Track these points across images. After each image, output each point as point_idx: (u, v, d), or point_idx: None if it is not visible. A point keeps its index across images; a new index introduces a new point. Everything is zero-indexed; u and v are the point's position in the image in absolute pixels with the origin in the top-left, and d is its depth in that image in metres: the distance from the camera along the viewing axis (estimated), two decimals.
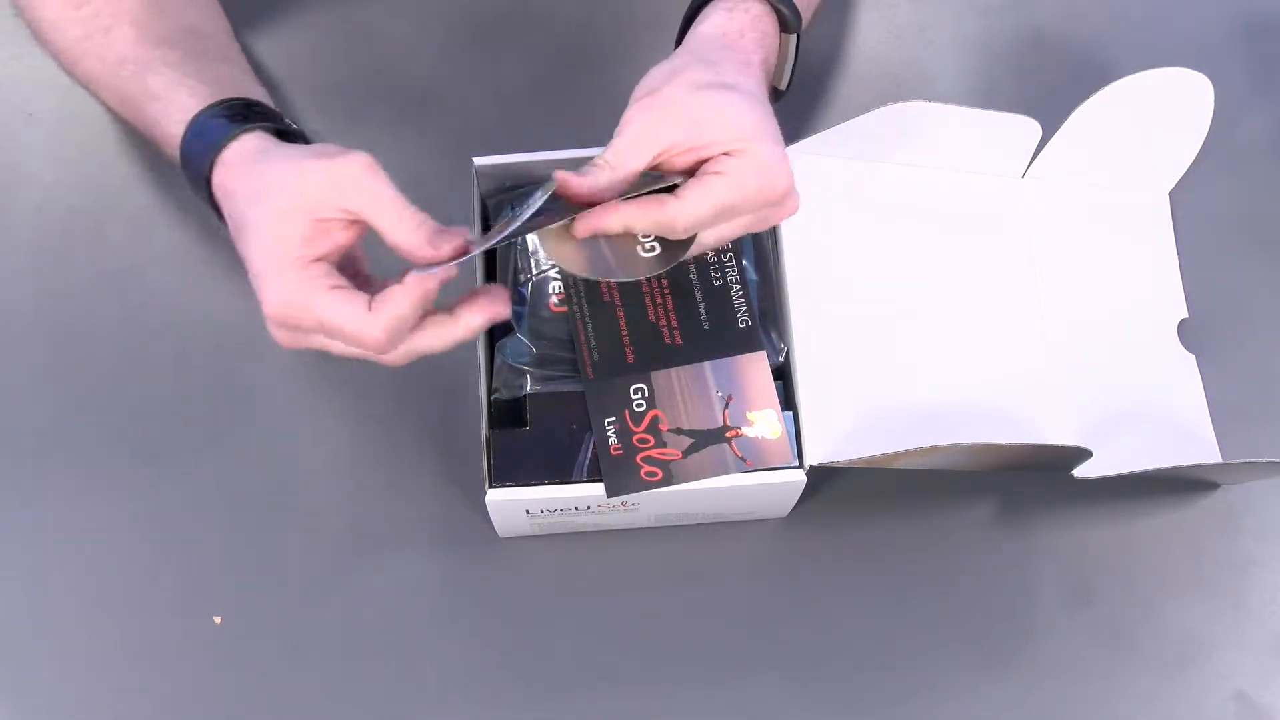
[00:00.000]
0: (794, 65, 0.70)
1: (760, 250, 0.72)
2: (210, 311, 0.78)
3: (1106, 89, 0.74)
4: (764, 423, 0.68)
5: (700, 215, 0.60)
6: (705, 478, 0.67)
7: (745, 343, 0.69)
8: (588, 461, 0.67)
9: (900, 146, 0.75)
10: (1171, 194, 0.81)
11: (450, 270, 0.58)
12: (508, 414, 0.69)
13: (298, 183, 0.59)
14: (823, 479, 0.72)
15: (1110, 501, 0.75)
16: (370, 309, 0.57)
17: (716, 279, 0.71)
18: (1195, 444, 0.75)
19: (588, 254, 0.62)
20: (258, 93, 0.69)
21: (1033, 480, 0.75)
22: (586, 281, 0.70)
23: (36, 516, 0.75)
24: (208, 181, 0.63)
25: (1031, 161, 0.77)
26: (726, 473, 0.67)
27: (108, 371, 0.77)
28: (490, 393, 0.70)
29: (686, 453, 0.67)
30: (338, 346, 0.60)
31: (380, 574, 0.74)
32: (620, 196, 0.60)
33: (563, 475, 0.67)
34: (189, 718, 0.72)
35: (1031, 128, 0.75)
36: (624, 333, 0.69)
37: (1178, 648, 0.73)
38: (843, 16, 0.87)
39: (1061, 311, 0.76)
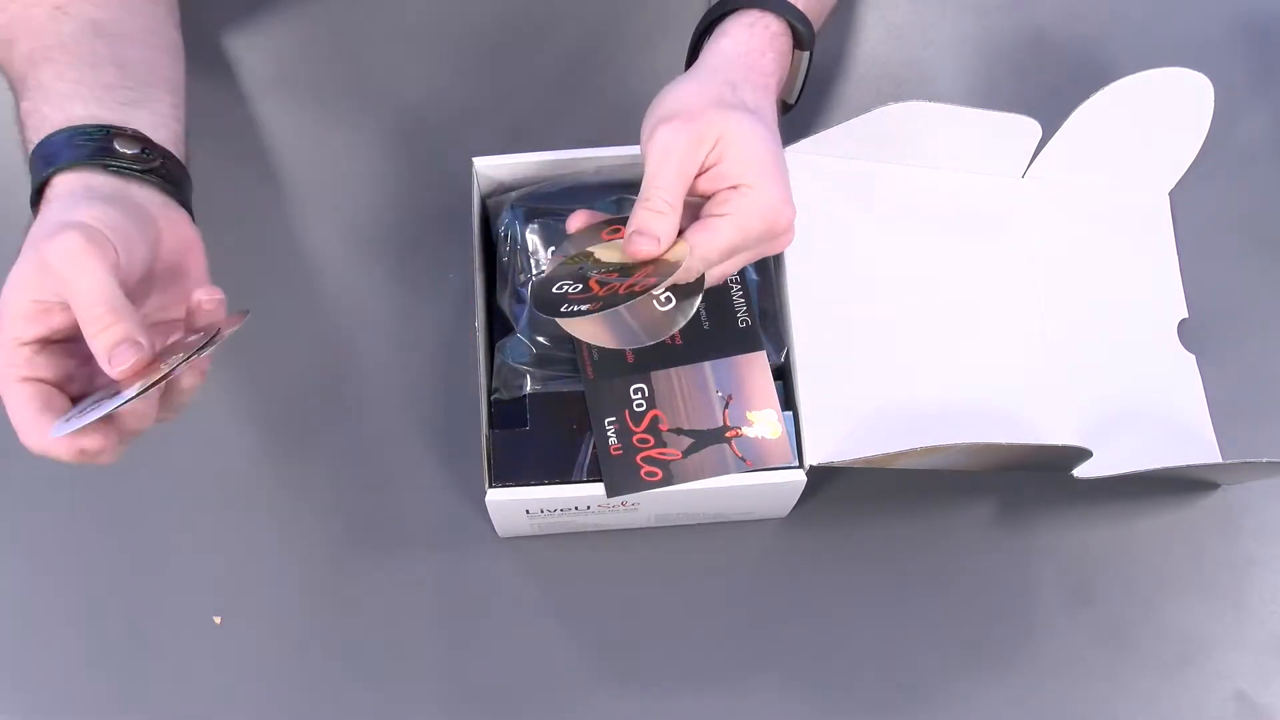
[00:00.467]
0: (804, 81, 0.70)
1: None
2: None
3: (1106, 89, 0.74)
4: (764, 423, 0.68)
5: (709, 259, 0.60)
6: (705, 478, 0.67)
7: (745, 343, 0.69)
8: (588, 461, 0.67)
9: (900, 146, 0.75)
10: (1171, 194, 0.81)
11: (133, 404, 0.54)
12: (508, 414, 0.69)
13: (22, 260, 0.56)
14: (823, 479, 0.72)
15: (1110, 501, 0.75)
16: (35, 420, 0.55)
17: None
18: (1195, 444, 0.75)
19: (610, 326, 0.62)
20: (147, 98, 0.64)
21: (1033, 480, 0.75)
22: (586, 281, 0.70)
23: (35, 516, 0.75)
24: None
25: (1031, 161, 0.77)
26: (726, 473, 0.67)
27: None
28: (490, 393, 0.70)
29: (686, 453, 0.67)
30: None
31: (380, 574, 0.74)
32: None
33: (563, 475, 0.67)
34: (189, 718, 0.72)
35: (1031, 128, 0.75)
36: None
37: (1178, 648, 0.73)
38: (843, 16, 0.87)
39: (1061, 311, 0.76)
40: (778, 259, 0.72)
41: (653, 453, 0.67)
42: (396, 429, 0.76)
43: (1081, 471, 0.70)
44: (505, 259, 0.71)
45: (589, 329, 0.62)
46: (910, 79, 0.85)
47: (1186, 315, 0.79)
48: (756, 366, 0.69)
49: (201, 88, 0.72)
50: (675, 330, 0.63)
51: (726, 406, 0.68)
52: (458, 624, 0.73)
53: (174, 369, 0.54)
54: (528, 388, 0.69)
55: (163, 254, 0.60)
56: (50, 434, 0.54)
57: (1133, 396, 0.75)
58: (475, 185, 0.72)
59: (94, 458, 0.56)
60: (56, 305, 0.55)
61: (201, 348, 0.55)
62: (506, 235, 0.71)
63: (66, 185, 0.59)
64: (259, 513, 0.75)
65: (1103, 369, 0.75)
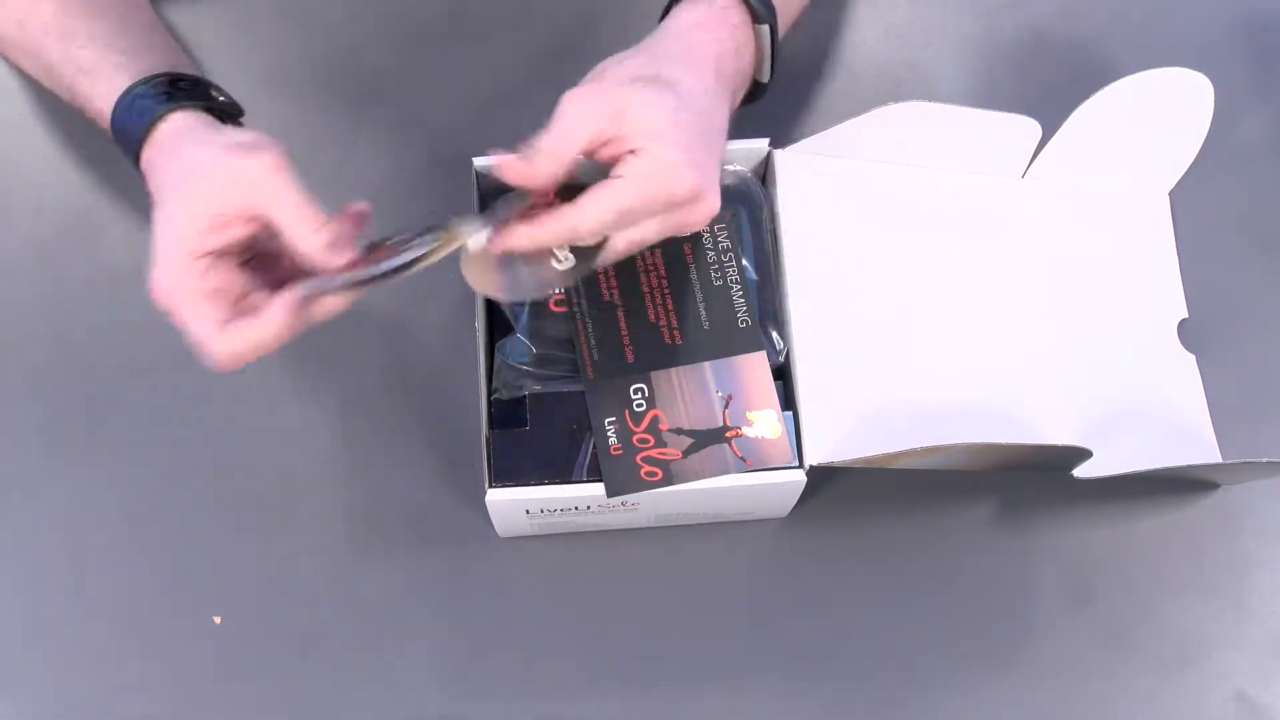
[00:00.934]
0: (773, 58, 0.69)
1: (760, 250, 0.72)
2: None
3: (1106, 89, 0.74)
4: (764, 423, 0.68)
5: (602, 220, 0.60)
6: (705, 478, 0.67)
7: (745, 343, 0.69)
8: (588, 461, 0.67)
9: (900, 146, 0.75)
10: (1171, 194, 0.81)
11: (325, 293, 0.58)
12: (508, 414, 0.69)
13: (203, 176, 0.59)
14: (823, 479, 0.72)
15: (1110, 501, 0.75)
16: (221, 329, 0.58)
17: (716, 279, 0.71)
18: (1195, 444, 0.75)
19: (506, 278, 0.64)
20: (184, 62, 0.69)
21: (1033, 480, 0.75)
22: (586, 281, 0.70)
23: (36, 516, 0.75)
24: (137, 158, 0.64)
25: (1031, 161, 0.77)
26: (726, 473, 0.67)
27: (108, 371, 0.77)
28: (490, 393, 0.70)
29: (686, 453, 0.67)
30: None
31: (380, 574, 0.74)
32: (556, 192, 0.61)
33: (563, 475, 0.67)
34: (189, 718, 0.72)
35: (1031, 128, 0.75)
36: (624, 333, 0.69)
37: (1178, 648, 0.73)
38: (842, 16, 0.87)
39: (1061, 311, 0.76)
40: (778, 259, 0.72)
41: (653, 453, 0.67)
42: (397, 429, 0.76)
43: (1081, 471, 0.70)
44: None
45: (481, 277, 0.64)
46: (910, 79, 0.85)
47: (1186, 315, 0.79)
48: (756, 366, 0.69)
49: None
50: (565, 285, 0.65)
51: (726, 406, 0.68)
52: (458, 624, 0.73)
53: (427, 253, 0.60)
54: (528, 388, 0.69)
55: None
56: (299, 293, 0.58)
57: (1133, 396, 0.75)
58: (475, 185, 0.72)
59: (278, 339, 0.59)
60: (238, 219, 0.59)
61: (427, 254, 0.60)
62: None
63: (189, 120, 0.63)
64: (259, 513, 0.75)
65: (1103, 369, 0.75)
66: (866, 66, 0.86)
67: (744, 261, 0.71)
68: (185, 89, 0.65)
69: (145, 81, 0.65)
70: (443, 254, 0.61)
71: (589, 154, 0.61)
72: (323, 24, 0.85)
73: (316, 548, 0.74)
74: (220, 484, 0.75)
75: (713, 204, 0.62)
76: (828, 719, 0.72)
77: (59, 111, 0.83)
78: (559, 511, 0.69)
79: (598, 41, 0.84)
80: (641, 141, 0.60)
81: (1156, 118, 0.77)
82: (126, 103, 0.65)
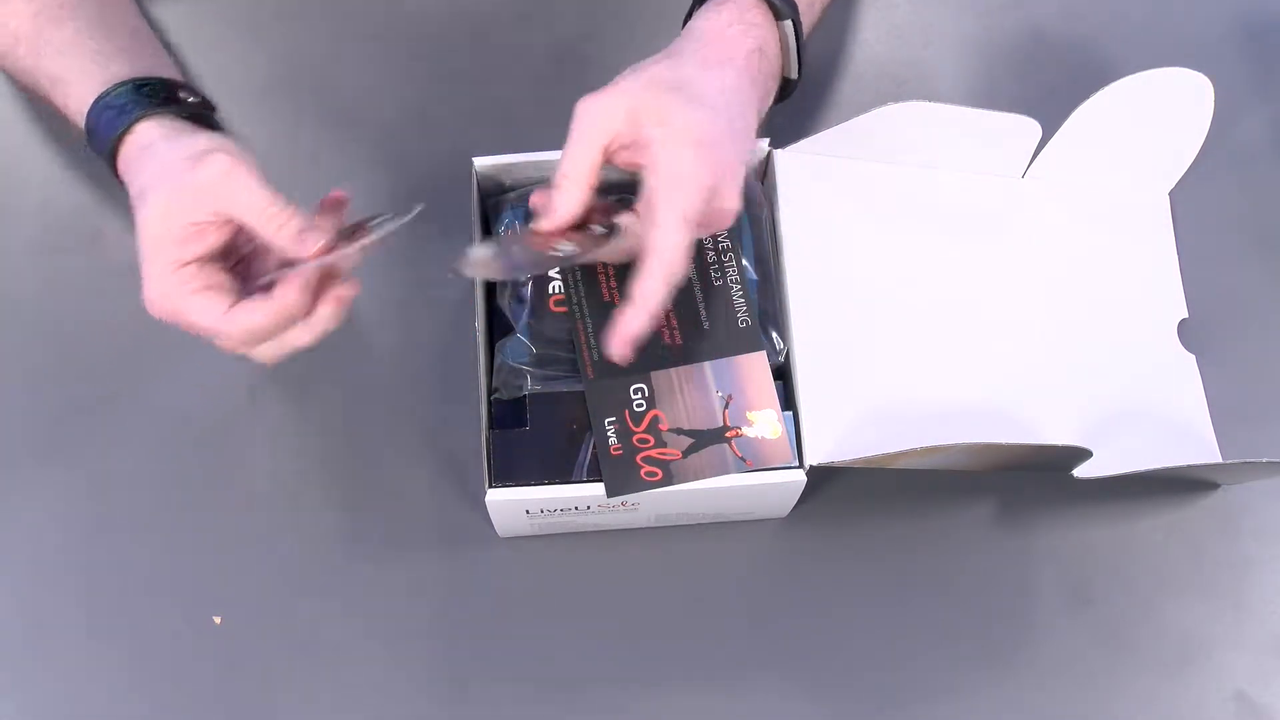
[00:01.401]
0: (799, 53, 0.69)
1: (760, 250, 0.72)
2: None
3: (1106, 89, 0.74)
4: (764, 423, 0.68)
5: (682, 245, 0.60)
6: (705, 478, 0.67)
7: (745, 343, 0.69)
8: (588, 461, 0.67)
9: (900, 146, 0.75)
10: (1171, 194, 0.81)
11: (312, 269, 0.60)
12: (508, 414, 0.69)
13: (165, 190, 0.60)
14: (823, 479, 0.72)
15: (1110, 501, 0.75)
16: (227, 313, 0.59)
17: (716, 279, 0.71)
18: (1195, 444, 0.75)
19: (504, 263, 0.66)
20: (157, 61, 0.69)
21: (1033, 480, 0.75)
22: (586, 281, 0.70)
23: (36, 516, 0.75)
24: (115, 170, 0.65)
25: (1031, 161, 0.77)
26: (726, 473, 0.67)
27: (107, 371, 0.77)
28: (490, 393, 0.70)
29: (686, 453, 0.67)
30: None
31: (380, 574, 0.74)
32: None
33: (563, 475, 0.67)
34: (189, 718, 0.72)
35: (1031, 128, 0.75)
36: None
37: (1178, 648, 0.73)
38: (843, 16, 0.87)
39: (1061, 311, 0.76)
40: (778, 259, 0.72)
41: (653, 453, 0.67)
42: (396, 429, 0.76)
43: (1081, 471, 0.70)
44: None
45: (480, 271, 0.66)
46: (910, 79, 0.85)
47: (1186, 315, 0.79)
48: (756, 366, 0.69)
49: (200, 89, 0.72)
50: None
51: (726, 406, 0.68)
52: (458, 624, 0.73)
53: (380, 234, 0.61)
54: (528, 388, 0.69)
55: None
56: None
57: (1133, 396, 0.75)
58: (475, 185, 0.72)
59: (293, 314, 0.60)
60: (212, 225, 0.60)
61: (382, 224, 0.61)
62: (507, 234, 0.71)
63: (155, 130, 0.64)
64: (259, 513, 0.75)
65: (1103, 369, 0.75)
66: (866, 66, 0.86)
67: (744, 261, 0.71)
68: (151, 94, 0.65)
69: (111, 90, 0.65)
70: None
71: (608, 159, 0.62)
72: (323, 24, 0.85)
73: (316, 547, 0.74)
74: (220, 484, 0.75)
75: (732, 201, 0.62)
76: (827, 719, 0.72)
77: (59, 112, 0.83)
78: (559, 511, 0.69)
79: (599, 42, 0.84)
80: (656, 145, 0.60)
81: (1156, 118, 0.77)
82: (95, 115, 0.65)
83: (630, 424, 0.68)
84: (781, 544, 0.75)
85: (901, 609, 0.74)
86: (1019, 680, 0.73)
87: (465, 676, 0.72)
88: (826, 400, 0.69)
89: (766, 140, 0.73)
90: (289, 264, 0.61)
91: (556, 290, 0.70)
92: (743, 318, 0.70)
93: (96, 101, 0.65)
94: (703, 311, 0.70)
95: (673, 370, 0.69)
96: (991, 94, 0.84)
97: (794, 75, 0.71)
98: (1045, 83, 0.84)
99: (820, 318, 0.71)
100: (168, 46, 0.78)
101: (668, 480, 0.67)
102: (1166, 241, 0.80)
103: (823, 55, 0.86)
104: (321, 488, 0.75)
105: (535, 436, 0.68)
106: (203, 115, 0.68)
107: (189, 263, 0.60)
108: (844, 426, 0.69)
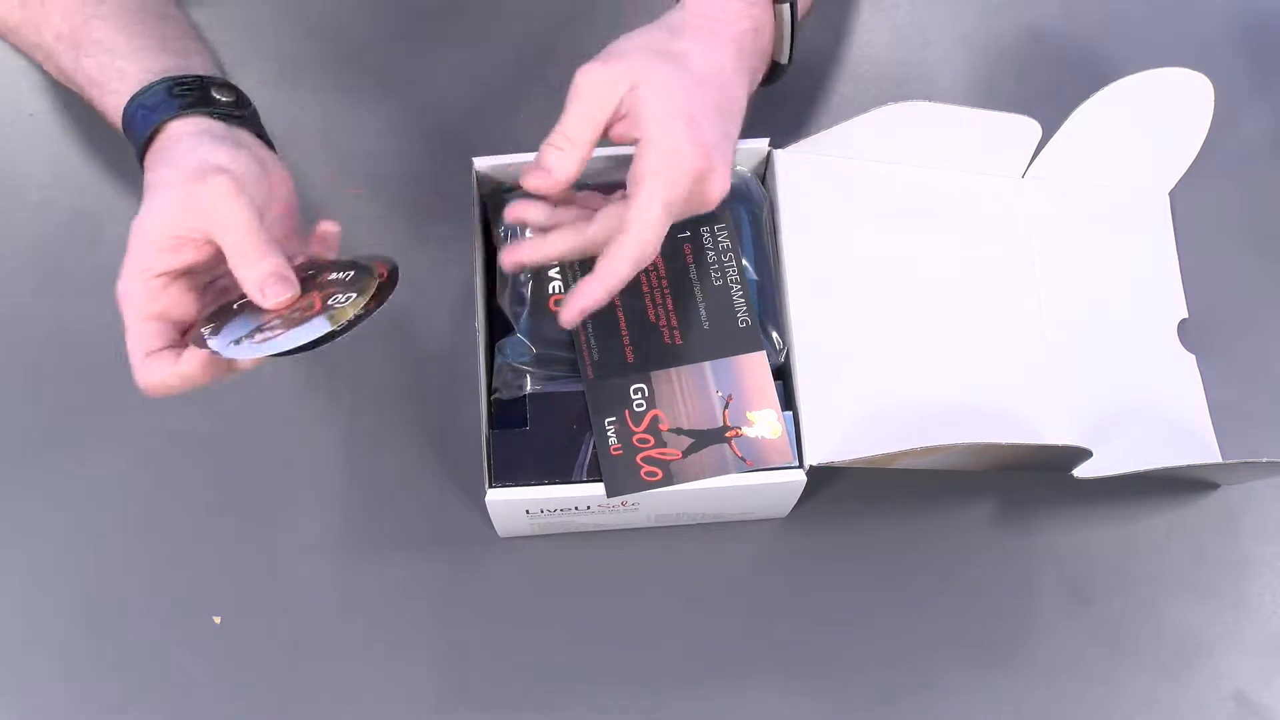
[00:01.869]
0: (793, 38, 0.69)
1: (760, 250, 0.72)
2: None
3: (1106, 89, 0.74)
4: (764, 422, 0.68)
5: (659, 231, 0.61)
6: (705, 478, 0.67)
7: (745, 343, 0.69)
8: (588, 461, 0.67)
9: (900, 146, 0.75)
10: (1171, 194, 0.81)
11: (240, 364, 0.59)
12: (508, 414, 0.69)
13: (164, 196, 0.59)
14: (823, 479, 0.72)
15: (1110, 501, 0.75)
16: (145, 357, 0.59)
17: (716, 279, 0.71)
18: (1195, 444, 0.75)
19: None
20: (197, 56, 0.68)
21: (1033, 480, 0.75)
22: None
23: (35, 516, 0.75)
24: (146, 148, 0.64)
25: (1031, 161, 0.77)
26: (726, 473, 0.67)
27: (107, 371, 0.77)
28: (490, 393, 0.70)
29: (686, 453, 0.67)
30: None
31: (380, 574, 0.74)
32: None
33: (563, 475, 0.67)
34: (189, 718, 0.72)
35: (1031, 128, 0.75)
36: (624, 333, 0.69)
37: (1178, 648, 0.73)
38: (843, 16, 0.87)
39: (1061, 311, 0.76)
40: (778, 259, 0.72)
41: (653, 453, 0.67)
42: (396, 429, 0.76)
43: (1081, 471, 0.70)
44: None
45: None
46: (910, 79, 0.85)
47: (1186, 315, 0.79)
48: (756, 366, 0.69)
49: None
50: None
51: (726, 406, 0.68)
52: (458, 624, 0.73)
53: (357, 316, 0.57)
54: (528, 388, 0.69)
55: (275, 196, 0.63)
56: (210, 347, 0.58)
57: (1133, 396, 0.75)
58: (475, 185, 0.72)
59: (196, 382, 0.59)
60: (193, 242, 0.59)
61: (371, 299, 0.58)
62: (506, 235, 0.71)
63: (183, 129, 0.63)
64: (259, 513, 0.75)
65: (1103, 369, 0.75)
66: (866, 66, 0.86)
67: (744, 261, 0.71)
68: (183, 94, 0.64)
69: (146, 90, 0.65)
70: (355, 311, 0.57)
71: (605, 131, 0.62)
72: (324, 23, 0.85)
73: (316, 548, 0.74)
74: (220, 484, 0.75)
75: (721, 183, 0.62)
76: (827, 719, 0.72)
77: (59, 111, 0.83)
78: (559, 511, 0.69)
79: (602, 42, 0.84)
80: (649, 123, 0.60)
81: (1156, 118, 0.77)
82: (130, 113, 0.65)
83: (630, 424, 0.68)
84: (781, 544, 0.75)
85: (901, 609, 0.74)
86: (1019, 680, 0.73)
87: (465, 676, 0.72)
88: (826, 400, 0.69)
89: (766, 140, 0.73)
90: (217, 318, 0.59)
91: (556, 290, 0.70)
92: (743, 318, 0.70)
93: (132, 100, 0.64)
94: (703, 311, 0.70)
95: (673, 370, 0.69)
96: (991, 94, 0.84)
97: (784, 60, 0.70)
98: (1045, 83, 0.84)
99: (820, 318, 0.71)
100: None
101: (668, 480, 0.67)
102: (1166, 241, 0.80)
103: (823, 55, 0.86)
104: (321, 488, 0.75)
105: (535, 436, 0.68)
106: (238, 117, 0.66)
107: (160, 274, 0.59)
108: (844, 426, 0.69)
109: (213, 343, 0.58)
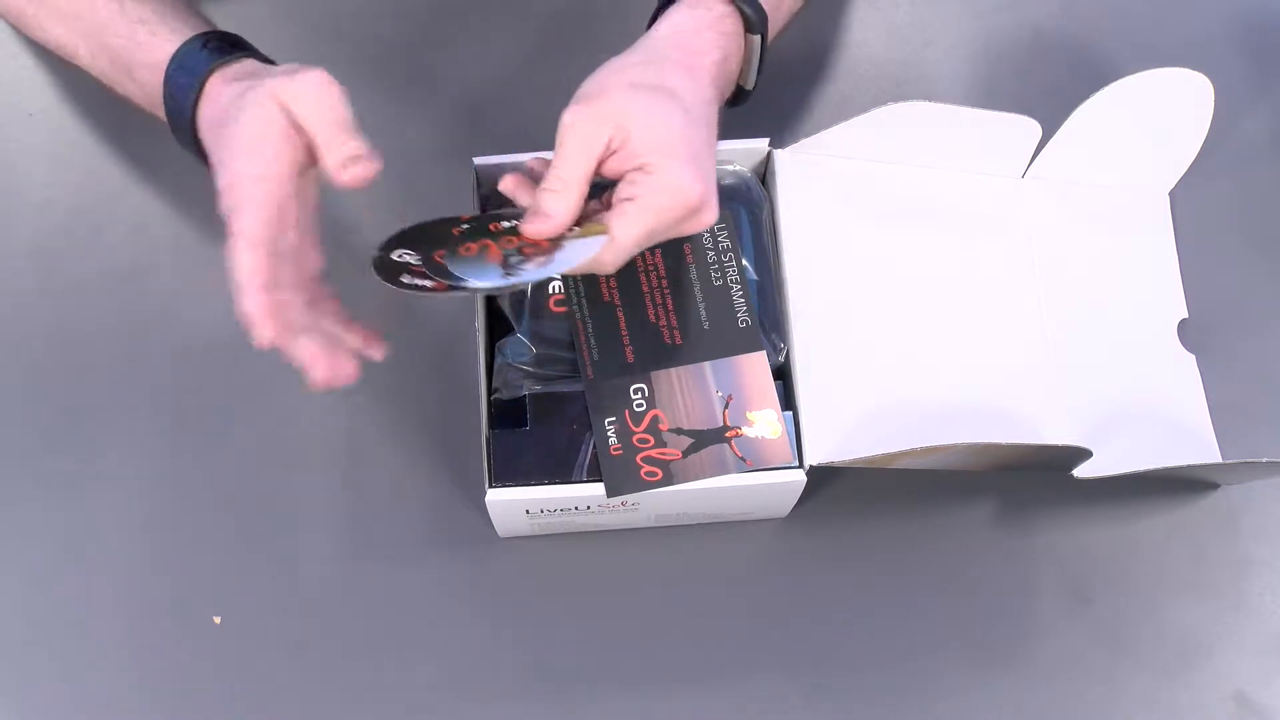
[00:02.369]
0: (760, 66, 0.69)
1: (760, 250, 0.72)
2: (209, 311, 0.78)
3: (1106, 89, 0.74)
4: (764, 423, 0.68)
5: (625, 247, 0.61)
6: (705, 478, 0.67)
7: (745, 343, 0.69)
8: (588, 461, 0.67)
9: (900, 146, 0.75)
10: (1171, 194, 0.81)
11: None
12: (508, 414, 0.69)
13: (259, 96, 0.60)
14: (823, 479, 0.72)
15: (1110, 501, 0.75)
16: (243, 248, 0.59)
17: (716, 279, 0.71)
18: (1195, 444, 0.75)
19: None
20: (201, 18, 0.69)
21: (1033, 480, 0.75)
22: (586, 281, 0.70)
23: (36, 516, 0.75)
24: (194, 112, 0.64)
25: (1031, 161, 0.77)
26: (726, 473, 0.67)
27: (108, 371, 0.77)
28: (490, 393, 0.70)
29: (686, 453, 0.67)
30: None
31: (380, 574, 0.74)
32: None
33: (563, 475, 0.67)
34: (189, 718, 0.72)
35: (1031, 128, 0.75)
36: (624, 333, 0.70)
37: (1178, 648, 0.73)
38: (843, 16, 0.87)
39: (1061, 311, 0.76)
40: (778, 259, 0.72)
41: (653, 453, 0.67)
42: (396, 429, 0.76)
43: (1081, 471, 0.70)
44: None
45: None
46: (910, 79, 0.85)
47: (1186, 315, 0.79)
48: (756, 366, 0.69)
49: None
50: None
51: (726, 406, 0.68)
52: (458, 624, 0.73)
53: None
54: (528, 388, 0.69)
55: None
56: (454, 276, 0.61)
57: (1133, 396, 0.75)
58: (475, 185, 0.72)
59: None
60: (287, 132, 0.60)
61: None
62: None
63: (241, 69, 0.64)
64: (259, 513, 0.75)
65: (1102, 369, 0.75)
66: (866, 66, 0.86)
67: (744, 261, 0.71)
68: (231, 43, 0.66)
69: (181, 49, 0.65)
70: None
71: (597, 170, 0.62)
72: (324, 23, 0.85)
73: (316, 548, 0.74)
74: (220, 484, 0.75)
75: (712, 215, 0.63)
76: (827, 719, 0.72)
77: (59, 111, 0.83)
78: (559, 511, 0.69)
79: (602, 41, 0.84)
80: (650, 157, 0.60)
81: (1156, 118, 0.77)
82: (176, 62, 0.65)
83: (630, 424, 0.68)
84: (781, 544, 0.75)
85: (901, 609, 0.74)
86: (1019, 680, 0.73)
87: (465, 676, 0.72)
88: (826, 400, 0.69)
89: (766, 140, 0.73)
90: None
91: (556, 290, 0.70)
92: (743, 318, 0.70)
93: (180, 54, 0.65)
94: (703, 311, 0.70)
95: (673, 370, 0.69)
96: (991, 94, 0.84)
97: (750, 86, 0.70)
98: (1045, 83, 0.84)
99: (820, 318, 0.71)
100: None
101: (668, 480, 0.67)
102: (1166, 241, 0.80)
103: (823, 55, 0.86)
104: (321, 488, 0.75)
105: (535, 436, 0.68)
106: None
107: (274, 175, 0.59)
108: (844, 426, 0.69)
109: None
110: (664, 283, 0.71)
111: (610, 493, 0.66)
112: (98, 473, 0.76)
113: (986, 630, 0.74)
